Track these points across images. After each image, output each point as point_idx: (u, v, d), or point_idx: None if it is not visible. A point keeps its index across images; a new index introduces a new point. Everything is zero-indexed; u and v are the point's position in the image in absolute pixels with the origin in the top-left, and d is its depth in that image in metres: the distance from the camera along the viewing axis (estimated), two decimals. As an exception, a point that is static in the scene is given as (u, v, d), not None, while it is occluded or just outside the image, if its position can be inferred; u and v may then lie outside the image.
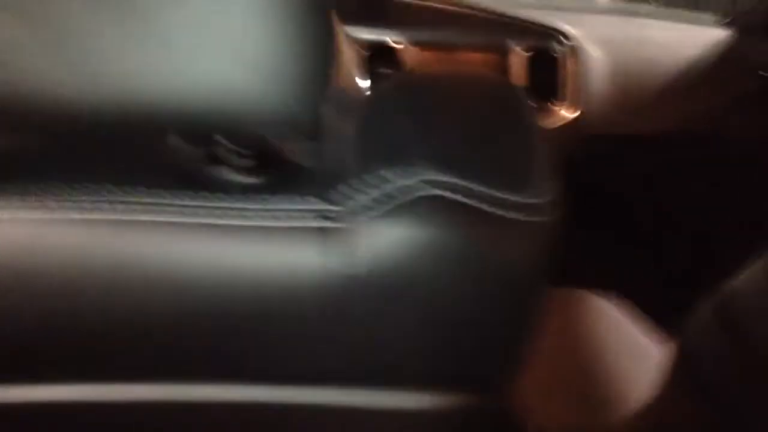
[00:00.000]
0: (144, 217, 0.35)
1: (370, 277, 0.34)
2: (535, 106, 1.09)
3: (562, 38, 1.09)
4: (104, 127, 0.32)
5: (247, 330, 0.35)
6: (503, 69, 1.07)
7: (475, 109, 0.42)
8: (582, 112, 1.11)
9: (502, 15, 1.08)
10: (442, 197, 0.36)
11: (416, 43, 1.00)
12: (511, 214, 0.37)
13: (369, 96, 0.40)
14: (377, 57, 0.97)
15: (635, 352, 0.61)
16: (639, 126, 1.17)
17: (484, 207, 0.36)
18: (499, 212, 0.36)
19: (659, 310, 0.71)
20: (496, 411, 0.39)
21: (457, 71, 0.46)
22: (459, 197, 0.36)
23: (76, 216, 0.36)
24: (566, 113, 1.10)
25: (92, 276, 0.34)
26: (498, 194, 0.36)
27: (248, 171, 0.37)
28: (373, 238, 0.35)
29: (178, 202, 0.36)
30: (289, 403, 0.37)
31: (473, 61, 1.04)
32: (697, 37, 1.17)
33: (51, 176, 0.37)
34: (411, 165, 0.37)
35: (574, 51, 1.09)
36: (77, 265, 0.34)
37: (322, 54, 0.33)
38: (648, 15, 1.29)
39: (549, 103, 1.10)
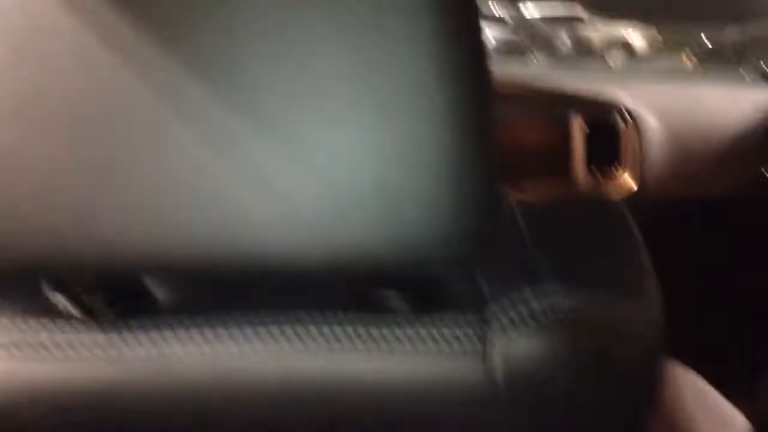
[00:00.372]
0: (310, 338, 0.39)
1: (512, 391, 0.38)
2: (598, 175, 1.12)
3: (621, 110, 1.12)
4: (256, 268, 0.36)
5: None
6: (565, 142, 1.10)
7: (593, 230, 0.45)
8: (642, 181, 1.13)
9: (562, 91, 1.12)
10: (571, 317, 0.39)
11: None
12: (634, 331, 0.40)
13: (504, 222, 0.43)
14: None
15: (722, 422, 0.62)
16: (695, 192, 1.18)
17: (609, 325, 0.39)
18: (623, 330, 0.39)
19: (734, 376, 0.72)
20: None
21: (569, 196, 0.49)
22: (586, 317, 0.39)
23: (248, 331, 0.39)
24: (627, 183, 1.13)
25: (269, 392, 0.38)
26: (620, 313, 0.40)
27: (403, 293, 0.40)
28: (515, 355, 0.38)
29: (340, 323, 0.39)
30: None
31: (536, 136, 1.08)
32: (748, 100, 1.19)
33: (230, 306, 0.40)
34: (546, 285, 0.40)
35: (634, 122, 1.12)
36: (262, 382, 0.38)
37: (491, 171, 0.35)
38: (699, 77, 1.32)
39: (610, 174, 1.13)
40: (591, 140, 1.11)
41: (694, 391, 0.64)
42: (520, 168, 1.06)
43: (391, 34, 0.31)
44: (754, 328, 1.20)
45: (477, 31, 0.33)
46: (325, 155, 0.33)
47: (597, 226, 0.45)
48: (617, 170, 1.12)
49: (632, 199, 1.12)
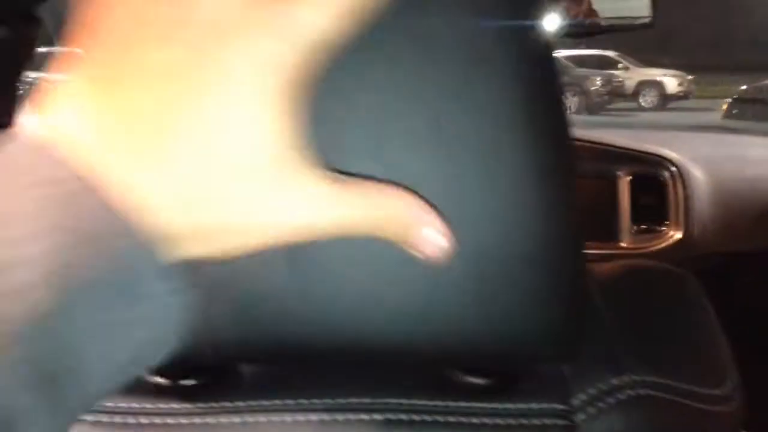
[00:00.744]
0: (394, 416, 0.40)
1: None
2: (644, 228, 1.12)
3: (667, 163, 1.12)
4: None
5: None
6: (612, 195, 1.10)
7: (667, 302, 0.45)
8: (687, 233, 1.12)
9: (609, 145, 1.12)
10: (651, 395, 0.39)
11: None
12: (712, 407, 0.40)
13: None
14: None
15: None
16: (742, 244, 1.17)
17: (689, 402, 0.39)
18: (702, 406, 0.39)
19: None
20: None
21: (630, 264, 0.49)
22: (666, 395, 0.39)
23: (339, 417, 0.40)
24: (673, 235, 1.12)
25: None
26: (699, 389, 0.40)
27: (484, 377, 0.41)
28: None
29: (424, 402, 0.40)
30: None
31: (585, 189, 1.08)
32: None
33: (312, 385, 0.41)
34: (618, 365, 0.40)
35: (679, 174, 1.12)
36: None
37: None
38: (745, 130, 1.32)
39: (657, 226, 1.12)
40: (636, 194, 1.11)
41: None
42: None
43: (479, 110, 0.31)
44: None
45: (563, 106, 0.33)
46: None
47: (670, 297, 0.45)
48: (663, 223, 1.12)
49: (678, 252, 1.12)
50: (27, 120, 0.21)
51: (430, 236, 0.26)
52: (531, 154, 0.32)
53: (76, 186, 0.20)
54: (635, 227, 1.12)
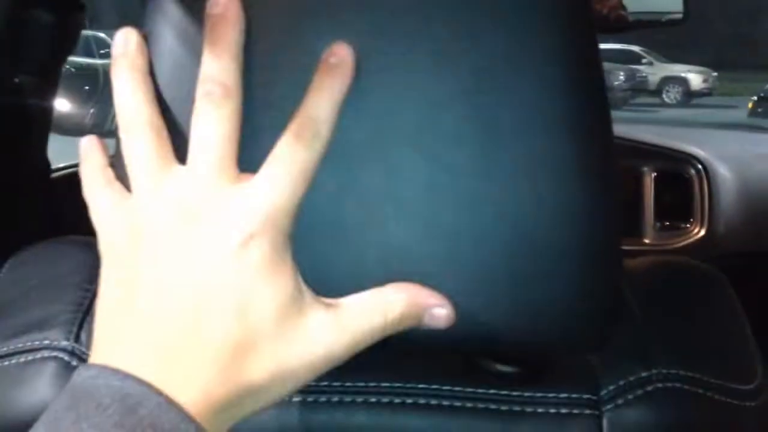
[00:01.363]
0: (425, 401, 0.41)
1: None
2: (667, 225, 1.11)
3: (693, 160, 1.11)
4: None
5: None
6: (637, 191, 1.10)
7: (694, 297, 0.45)
8: (711, 231, 1.12)
9: (635, 141, 1.12)
10: (680, 388, 0.40)
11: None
12: (740, 402, 0.40)
13: None
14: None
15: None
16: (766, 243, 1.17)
17: (718, 397, 0.40)
18: (731, 401, 0.40)
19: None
20: None
21: (658, 260, 0.49)
22: (695, 389, 0.40)
23: (365, 399, 0.41)
24: (697, 232, 1.12)
25: None
26: (728, 384, 0.40)
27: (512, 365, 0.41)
28: (619, 424, 0.39)
29: (453, 388, 0.41)
30: None
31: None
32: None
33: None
34: (646, 357, 0.41)
35: (705, 172, 1.11)
36: None
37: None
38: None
39: (681, 223, 1.12)
40: (661, 190, 1.11)
41: None
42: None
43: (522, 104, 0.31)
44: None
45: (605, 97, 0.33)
46: (450, 225, 0.34)
47: (698, 293, 0.45)
48: (688, 221, 1.12)
49: (702, 250, 1.11)
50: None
51: (437, 312, 0.31)
52: (574, 147, 0.32)
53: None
54: (659, 224, 1.12)
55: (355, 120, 0.31)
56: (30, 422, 0.36)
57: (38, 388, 0.42)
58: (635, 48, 13.30)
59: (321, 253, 0.32)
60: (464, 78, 0.31)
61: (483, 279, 0.34)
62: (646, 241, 1.11)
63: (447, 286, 0.34)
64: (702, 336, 0.43)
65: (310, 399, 0.41)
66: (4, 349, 0.43)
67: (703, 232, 1.11)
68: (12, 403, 0.42)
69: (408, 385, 0.41)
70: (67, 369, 0.42)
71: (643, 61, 13.35)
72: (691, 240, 1.12)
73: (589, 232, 0.33)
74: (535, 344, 0.36)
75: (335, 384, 0.42)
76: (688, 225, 1.12)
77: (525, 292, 0.34)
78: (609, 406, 0.39)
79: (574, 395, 0.40)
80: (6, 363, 0.43)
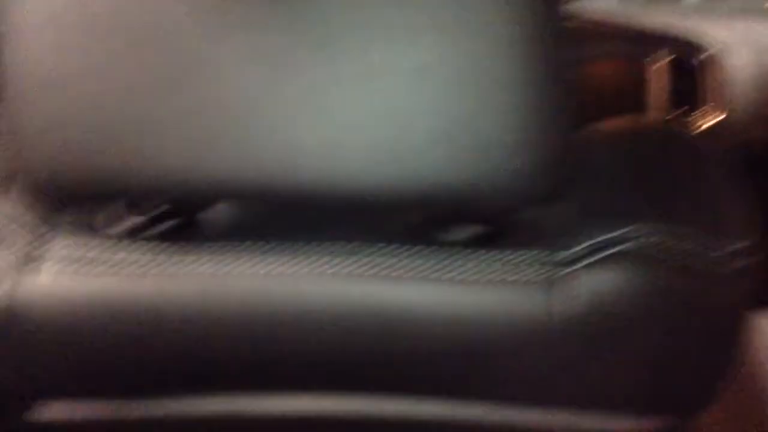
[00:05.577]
0: (372, 270, 0.39)
1: (585, 322, 0.36)
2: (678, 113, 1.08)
3: (703, 45, 1.07)
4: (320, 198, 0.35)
5: (467, 361, 0.38)
6: (644, 78, 1.06)
7: (662, 158, 0.43)
8: (724, 118, 1.08)
9: (643, 26, 1.08)
10: (652, 249, 0.37)
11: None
12: (719, 264, 0.38)
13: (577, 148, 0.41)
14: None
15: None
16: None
17: (692, 259, 0.37)
18: (706, 263, 0.37)
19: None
20: None
21: (646, 123, 0.47)
22: (667, 249, 0.37)
23: (305, 269, 0.39)
24: (710, 119, 1.08)
25: (316, 319, 0.38)
26: (704, 245, 0.37)
27: (467, 228, 0.39)
28: (587, 286, 0.37)
29: (405, 255, 0.39)
30: (500, 421, 0.40)
31: (616, 74, 1.04)
32: None
33: (287, 233, 0.41)
34: (622, 216, 0.38)
35: (717, 57, 1.07)
36: (316, 310, 0.38)
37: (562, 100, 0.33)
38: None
39: (691, 110, 1.08)
40: (674, 77, 1.07)
41: None
42: (597, 107, 1.03)
43: None
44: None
45: None
46: (392, 80, 0.32)
47: (683, 157, 0.42)
48: (700, 108, 1.08)
49: (720, 136, 1.08)
50: None
51: None
52: None
53: None
54: (668, 112, 1.08)
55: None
56: None
57: None
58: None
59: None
60: None
61: (423, 125, 0.32)
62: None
63: (381, 131, 0.32)
64: (681, 198, 0.40)
65: (248, 266, 0.40)
66: None
67: (717, 119, 1.08)
68: None
69: (353, 250, 0.39)
70: None
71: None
72: (705, 127, 1.08)
73: (533, 74, 0.31)
74: (479, 196, 0.34)
75: (274, 246, 0.40)
76: (700, 113, 1.08)
77: (466, 139, 0.32)
78: (574, 267, 0.37)
79: (535, 257, 0.38)
80: None
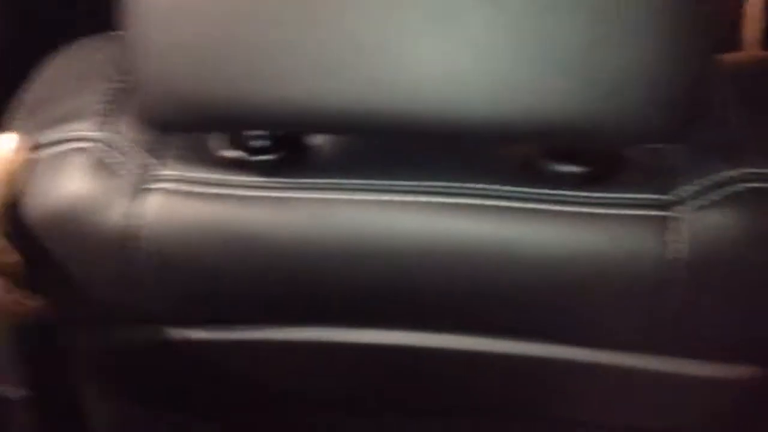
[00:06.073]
0: (480, 202, 0.38)
1: (695, 262, 0.36)
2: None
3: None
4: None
5: (569, 300, 0.37)
6: (740, 14, 1.01)
7: None
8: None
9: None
10: (765, 189, 0.36)
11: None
12: None
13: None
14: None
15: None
16: None
17: None
18: None
19: None
20: None
21: (746, 58, 0.44)
22: None
23: (421, 199, 0.39)
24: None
25: (427, 252, 0.38)
26: None
27: (582, 165, 0.38)
28: (698, 226, 0.36)
29: (513, 188, 0.38)
30: (599, 363, 0.40)
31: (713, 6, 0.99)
32: None
33: (393, 166, 0.40)
34: (736, 156, 0.37)
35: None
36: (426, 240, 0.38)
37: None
38: None
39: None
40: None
41: None
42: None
43: None
44: None
45: None
46: (516, 10, 0.31)
47: None
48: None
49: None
50: None
51: None
52: None
53: None
54: (763, 47, 1.03)
55: None
56: (66, 211, 0.38)
57: (73, 177, 0.42)
58: None
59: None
60: None
61: (533, 53, 0.31)
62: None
63: (496, 64, 0.31)
64: None
65: (357, 197, 0.40)
66: (41, 140, 0.44)
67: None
68: (49, 193, 0.42)
69: (466, 185, 0.39)
70: (100, 159, 0.43)
71: None
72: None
73: (672, 5, 0.29)
74: (596, 131, 0.33)
75: (383, 182, 0.40)
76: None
77: (596, 75, 0.31)
78: (687, 207, 0.36)
79: (647, 195, 0.37)
80: (42, 153, 0.43)
